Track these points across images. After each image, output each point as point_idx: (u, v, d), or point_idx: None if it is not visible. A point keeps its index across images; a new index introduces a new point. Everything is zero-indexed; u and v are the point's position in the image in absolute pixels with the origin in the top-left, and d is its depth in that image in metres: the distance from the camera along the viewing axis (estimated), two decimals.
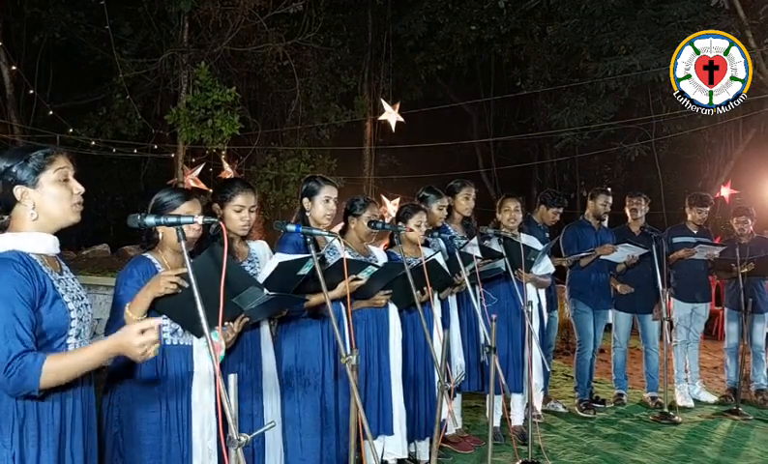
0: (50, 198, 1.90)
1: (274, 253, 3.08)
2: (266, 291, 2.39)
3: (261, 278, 2.69)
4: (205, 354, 2.44)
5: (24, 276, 1.79)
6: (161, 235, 2.49)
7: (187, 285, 2.20)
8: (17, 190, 1.87)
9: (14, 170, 1.87)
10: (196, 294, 1.82)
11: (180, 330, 2.47)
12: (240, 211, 2.90)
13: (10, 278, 1.77)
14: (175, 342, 2.46)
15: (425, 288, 3.39)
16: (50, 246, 1.92)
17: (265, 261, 3.02)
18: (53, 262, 1.95)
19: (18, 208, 1.88)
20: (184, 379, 2.45)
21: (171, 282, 2.22)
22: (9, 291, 1.75)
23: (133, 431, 2.37)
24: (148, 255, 2.49)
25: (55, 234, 1.96)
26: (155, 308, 2.30)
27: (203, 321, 1.80)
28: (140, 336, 1.74)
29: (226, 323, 2.51)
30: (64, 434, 1.87)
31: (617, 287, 5.62)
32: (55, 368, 1.74)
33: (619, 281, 5.64)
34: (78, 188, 1.97)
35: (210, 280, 1.95)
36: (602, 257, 5.46)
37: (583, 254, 5.44)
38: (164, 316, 2.38)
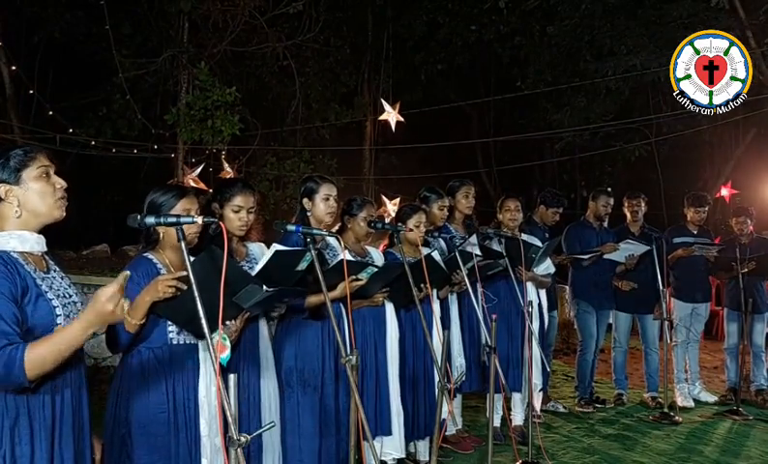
0: (34, 194, 1.90)
1: None
2: (265, 287, 2.38)
3: (257, 269, 2.69)
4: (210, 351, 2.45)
5: (2, 274, 1.77)
6: (161, 235, 2.48)
7: (185, 287, 2.19)
8: (1, 189, 1.87)
9: None
10: (197, 295, 1.81)
11: None
12: (238, 211, 2.90)
13: None
14: (181, 341, 2.46)
15: (422, 285, 3.39)
16: (33, 244, 1.90)
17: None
18: (39, 261, 1.93)
19: (1, 206, 1.88)
20: (190, 377, 2.45)
21: (169, 286, 2.21)
22: None
23: (142, 431, 2.37)
24: (148, 255, 2.48)
25: (49, 233, 1.95)
26: (155, 312, 2.29)
27: (204, 323, 1.79)
28: (105, 301, 1.69)
29: (228, 321, 2.51)
30: (55, 432, 1.86)
31: (620, 284, 5.61)
32: (38, 354, 1.70)
33: (621, 280, 5.64)
34: (61, 182, 1.96)
35: (209, 281, 1.94)
36: (604, 256, 5.46)
37: (587, 257, 5.43)
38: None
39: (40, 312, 1.83)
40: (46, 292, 1.87)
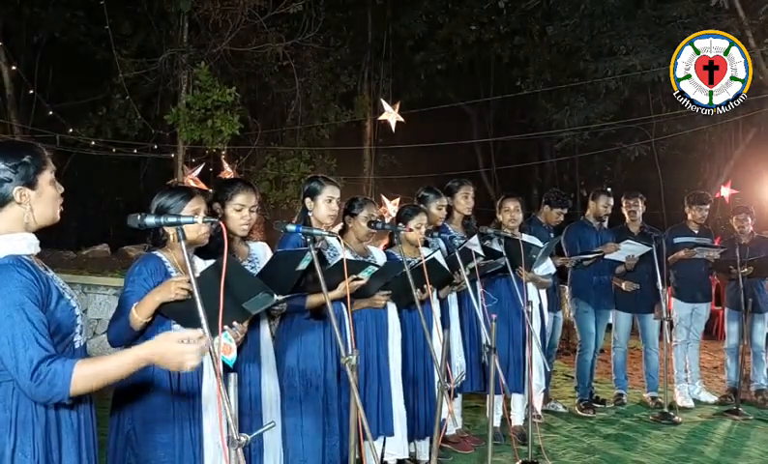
0: (47, 200, 1.84)
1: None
2: (276, 297, 2.38)
3: (258, 271, 2.70)
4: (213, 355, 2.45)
5: (30, 280, 1.73)
6: (171, 236, 2.48)
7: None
8: (17, 192, 1.78)
9: (12, 170, 1.77)
10: (197, 295, 1.82)
11: None
12: (240, 210, 2.90)
13: (18, 284, 1.70)
14: None
15: (424, 286, 3.39)
16: (36, 246, 1.85)
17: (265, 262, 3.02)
18: (39, 262, 1.88)
19: (11, 210, 1.79)
20: (193, 376, 2.45)
21: (182, 288, 2.21)
22: (19, 297, 1.68)
23: (147, 429, 2.37)
24: (157, 253, 2.49)
25: (49, 233, 1.92)
26: (161, 312, 2.30)
27: (204, 325, 1.80)
28: (181, 344, 1.68)
29: (235, 323, 2.51)
30: (80, 437, 1.85)
31: (622, 285, 5.61)
32: (86, 374, 1.67)
33: (623, 280, 5.64)
34: (61, 187, 1.91)
35: (219, 288, 1.94)
36: (605, 256, 5.46)
37: (588, 257, 5.42)
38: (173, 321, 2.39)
39: (63, 313, 1.81)
40: (63, 293, 1.84)
